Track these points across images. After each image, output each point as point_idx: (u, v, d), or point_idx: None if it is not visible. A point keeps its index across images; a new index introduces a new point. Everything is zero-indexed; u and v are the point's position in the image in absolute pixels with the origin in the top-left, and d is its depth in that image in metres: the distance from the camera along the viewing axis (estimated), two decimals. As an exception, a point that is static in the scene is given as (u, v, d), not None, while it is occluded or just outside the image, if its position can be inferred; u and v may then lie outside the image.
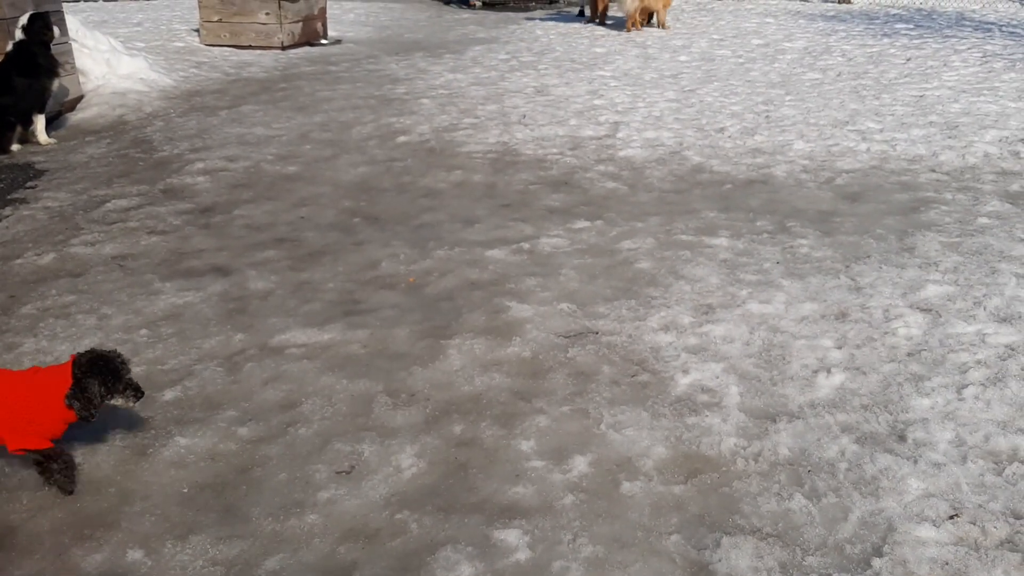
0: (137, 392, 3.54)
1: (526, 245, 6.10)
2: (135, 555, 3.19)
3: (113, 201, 7.17)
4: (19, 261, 5.99)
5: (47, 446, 3.48)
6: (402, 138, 9.15)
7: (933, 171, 7.57)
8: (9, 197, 7.43)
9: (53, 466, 3.51)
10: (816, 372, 4.27)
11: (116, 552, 3.22)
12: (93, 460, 3.76)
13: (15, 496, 3.56)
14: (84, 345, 4.75)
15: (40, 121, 8.96)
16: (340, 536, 3.26)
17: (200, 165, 8.16)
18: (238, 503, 3.47)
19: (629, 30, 15.75)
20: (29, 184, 7.75)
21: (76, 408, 3.43)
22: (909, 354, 4.43)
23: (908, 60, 12.51)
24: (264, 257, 6.00)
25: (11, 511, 3.47)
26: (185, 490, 3.56)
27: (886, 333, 4.65)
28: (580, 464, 3.65)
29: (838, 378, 4.21)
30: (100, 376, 3.44)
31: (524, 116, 9.93)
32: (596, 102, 10.57)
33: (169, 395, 4.24)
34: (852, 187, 7.24)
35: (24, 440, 3.45)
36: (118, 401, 3.53)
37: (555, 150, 8.60)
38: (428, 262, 5.86)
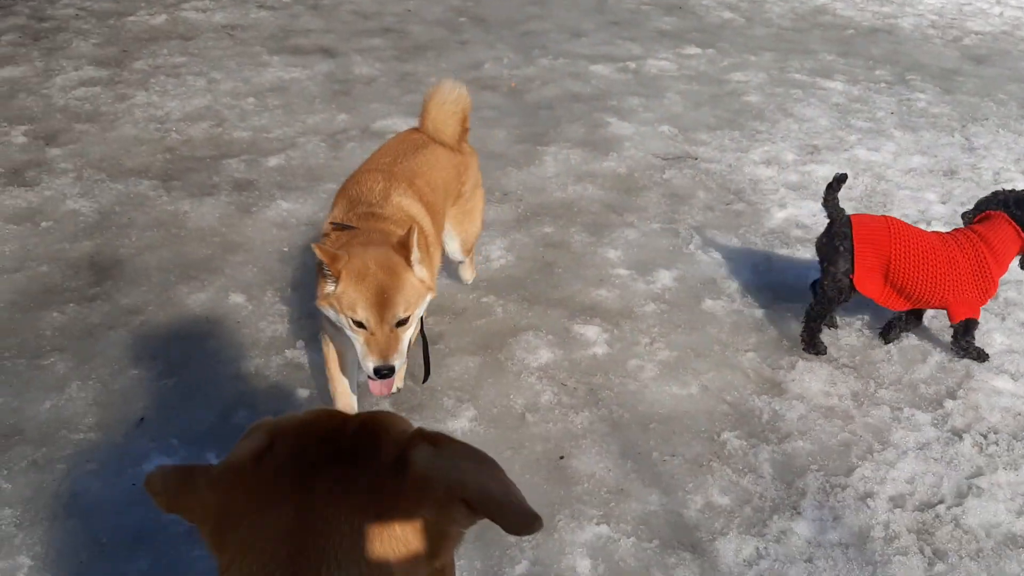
0: None
1: (632, 64, 5.96)
2: (237, 299, 3.38)
3: (224, -29, 7.13)
4: (132, 19, 6.07)
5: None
6: (515, -57, 8.82)
7: (1073, 42, 7.09)
8: (123, -45, 7.43)
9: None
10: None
11: (219, 294, 3.41)
12: (199, 210, 3.93)
13: (124, 233, 3.76)
14: (194, 105, 4.87)
15: None
16: (429, 309, 3.39)
17: (311, -54, 8.02)
18: (334, 267, 3.61)
19: None
20: (142, -55, 7.73)
21: None
22: (1015, 219, 4.31)
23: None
24: (370, 44, 5.97)
25: (120, 246, 3.67)
26: (285, 249, 3.72)
27: (994, 196, 4.51)
28: (665, 278, 3.69)
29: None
30: None
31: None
32: (721, -71, 9.99)
33: (273, 161, 4.36)
34: (979, 49, 6.84)
35: (971, 309, 3.13)
36: None
37: (673, -27, 8.22)
38: (531, 69, 5.78)
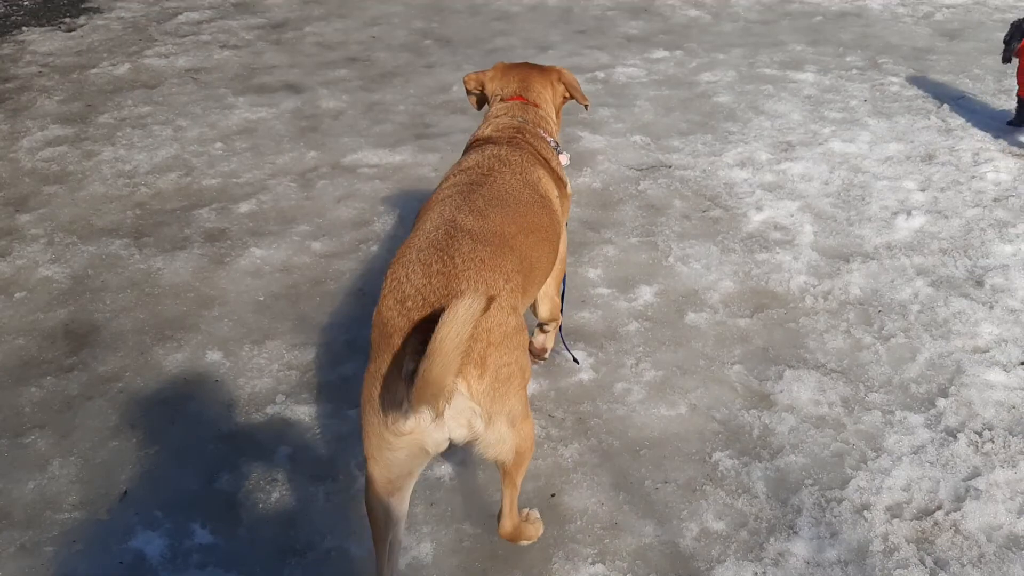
0: None
1: (601, 74, 5.93)
2: (214, 356, 3.33)
3: (185, 13, 7.11)
4: (95, 71, 6.04)
5: None
6: (477, -43, 8.81)
7: (1042, 9, 7.06)
8: (83, 6, 7.41)
9: None
10: (896, 214, 4.15)
11: (196, 352, 3.36)
12: (172, 266, 3.88)
13: (98, 297, 3.71)
14: (161, 155, 4.83)
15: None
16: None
17: (271, -21, 8.00)
18: (312, 313, 3.57)
19: None
20: (102, -7, 7.70)
21: None
22: (995, 199, 4.27)
23: None
24: (336, 76, 5.94)
25: (95, 311, 3.63)
26: (261, 298, 3.67)
27: (973, 177, 4.47)
28: (646, 294, 3.65)
29: (918, 221, 4.09)
30: None
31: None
32: (682, -76, 9.98)
33: (244, 207, 4.32)
34: (951, 23, 6.82)
35: None
36: None
37: (636, -25, 8.21)
38: (501, 87, 5.75)
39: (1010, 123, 4.96)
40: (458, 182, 2.41)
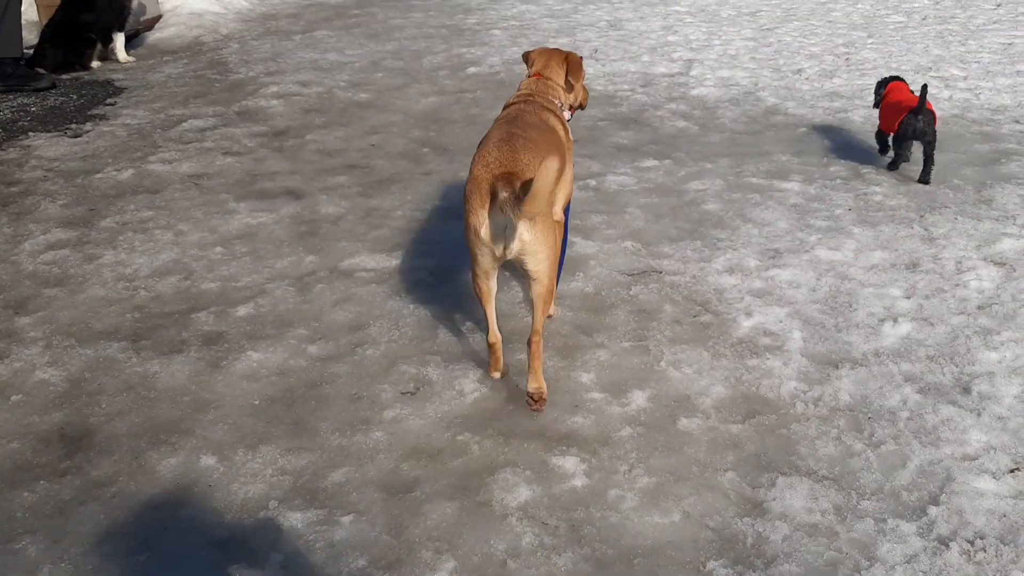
0: None
1: (592, 182, 6.08)
2: (208, 461, 3.34)
3: (190, 121, 7.32)
4: (99, 176, 6.18)
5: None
6: (472, 69, 9.12)
7: (1017, 122, 7.31)
8: (90, 113, 7.63)
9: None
10: (882, 321, 4.23)
11: (190, 457, 3.37)
12: (169, 369, 3.92)
13: (94, 400, 3.74)
14: (162, 259, 4.92)
15: (120, 39, 9.15)
16: (404, 454, 3.37)
17: (274, 89, 8.26)
18: (307, 417, 3.60)
19: None
20: (109, 101, 7.94)
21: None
22: (979, 307, 4.36)
23: (999, 5, 11.99)
24: (335, 182, 6.09)
25: (90, 414, 3.65)
26: (256, 402, 3.70)
27: (957, 285, 4.57)
28: (639, 398, 3.69)
29: (905, 328, 4.17)
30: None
31: (596, 51, 9.80)
32: (670, 38, 10.37)
33: (242, 311, 4.38)
34: (931, 136, 7.02)
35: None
36: None
37: (626, 86, 8.49)
38: (495, 194, 5.89)
39: (877, 138, 6.47)
40: (501, 120, 3.76)
